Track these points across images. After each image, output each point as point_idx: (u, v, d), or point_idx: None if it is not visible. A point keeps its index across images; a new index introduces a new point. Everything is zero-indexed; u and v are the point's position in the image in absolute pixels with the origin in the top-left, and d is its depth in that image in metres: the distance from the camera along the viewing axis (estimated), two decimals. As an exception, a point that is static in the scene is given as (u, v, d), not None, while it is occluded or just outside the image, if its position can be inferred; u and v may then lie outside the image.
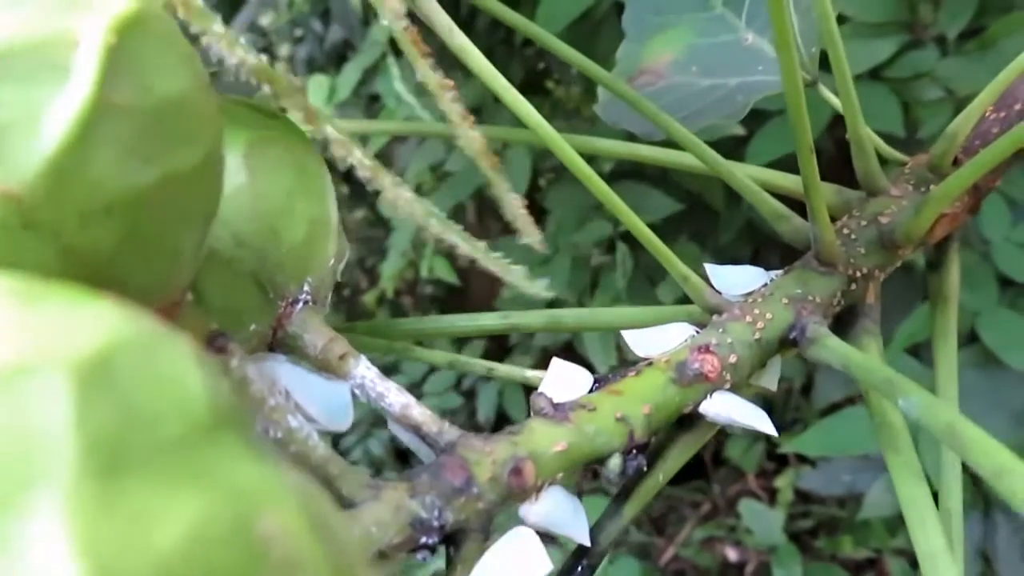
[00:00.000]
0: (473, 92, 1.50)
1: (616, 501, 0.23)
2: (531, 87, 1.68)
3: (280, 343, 0.21)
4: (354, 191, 2.39)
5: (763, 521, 1.50)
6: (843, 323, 0.28)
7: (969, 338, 0.98)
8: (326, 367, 0.20)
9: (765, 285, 0.27)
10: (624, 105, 0.36)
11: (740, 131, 1.09)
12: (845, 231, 0.29)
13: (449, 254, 1.76)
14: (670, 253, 0.25)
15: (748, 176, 0.30)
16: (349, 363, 0.20)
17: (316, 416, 0.18)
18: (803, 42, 0.34)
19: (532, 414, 0.21)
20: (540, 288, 0.17)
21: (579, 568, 0.22)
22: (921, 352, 1.00)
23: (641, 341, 0.25)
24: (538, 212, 1.55)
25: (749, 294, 0.27)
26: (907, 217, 0.28)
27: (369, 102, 1.65)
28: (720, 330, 0.25)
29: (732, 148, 1.12)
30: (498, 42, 1.63)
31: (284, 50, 2.19)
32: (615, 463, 0.22)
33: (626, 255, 1.36)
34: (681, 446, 0.25)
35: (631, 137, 0.36)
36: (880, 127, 0.99)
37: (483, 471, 0.19)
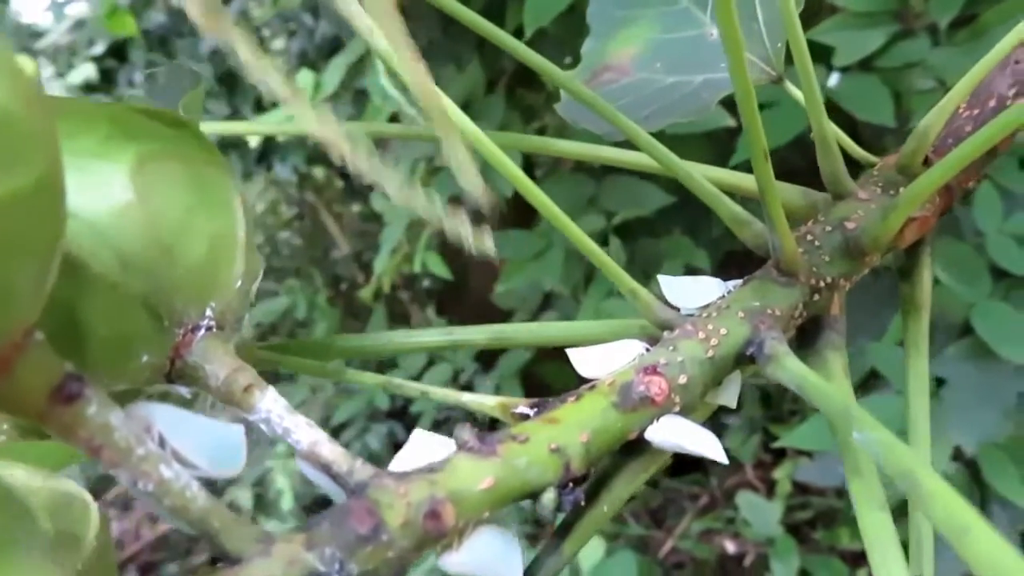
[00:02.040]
0: (462, 87, 1.49)
1: (555, 537, 0.22)
2: (523, 80, 1.66)
3: (179, 374, 0.19)
4: (348, 186, 2.38)
5: (761, 513, 1.49)
6: (806, 336, 0.27)
7: (963, 330, 0.96)
8: (229, 400, 0.19)
9: (722, 297, 0.25)
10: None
11: (731, 122, 1.07)
12: (809, 237, 0.27)
13: (442, 249, 1.75)
14: (616, 267, 0.24)
15: (707, 177, 0.28)
16: (254, 395, 0.19)
17: (199, 462, 0.17)
18: (768, 36, 0.33)
19: (456, 449, 0.20)
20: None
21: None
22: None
23: (587, 360, 0.24)
24: (531, 206, 1.54)
25: (705, 307, 0.25)
26: (874, 222, 0.26)
27: (358, 96, 1.63)
28: (670, 348, 0.23)
29: (728, 139, 1.10)
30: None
31: (279, 44, 2.18)
32: (549, 498, 0.20)
33: (619, 248, 1.35)
34: (629, 474, 0.23)
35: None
36: (871, 118, 0.98)
37: (395, 516, 0.17)
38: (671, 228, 1.44)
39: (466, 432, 0.19)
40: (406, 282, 2.20)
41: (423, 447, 0.19)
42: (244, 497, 1.86)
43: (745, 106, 0.22)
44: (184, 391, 0.20)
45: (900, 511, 0.23)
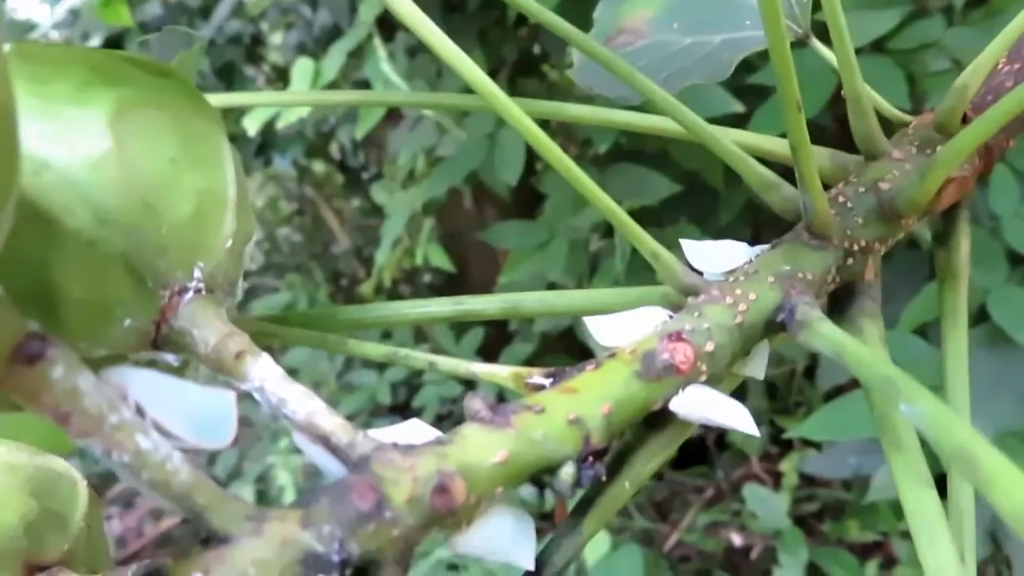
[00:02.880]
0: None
1: (573, 515, 0.20)
2: (525, 69, 1.65)
3: (166, 340, 0.18)
4: (349, 179, 2.36)
5: (768, 505, 1.48)
6: (839, 303, 0.25)
7: (978, 317, 0.94)
8: (219, 367, 0.17)
9: (749, 262, 0.24)
10: (600, 68, 0.33)
11: (740, 108, 1.05)
12: (840, 199, 0.25)
13: (444, 241, 1.73)
14: (637, 228, 0.22)
15: (733, 141, 0.26)
16: (246, 362, 0.17)
17: (183, 432, 0.15)
18: (794, -8, 0.31)
19: (466, 420, 0.18)
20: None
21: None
22: (930, 332, 0.97)
23: (605, 328, 0.22)
24: (534, 196, 1.52)
25: (731, 272, 0.24)
26: (910, 182, 0.25)
27: (359, 87, 1.61)
28: (696, 314, 0.22)
29: (736, 126, 1.08)
30: (491, 24, 1.59)
31: (277, 38, 2.16)
32: (568, 472, 0.18)
33: (624, 238, 1.33)
34: (651, 448, 0.21)
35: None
36: (884, 100, 0.95)
37: (400, 491, 0.16)
38: (677, 218, 1.42)
39: (477, 402, 0.18)
40: (407, 277, 2.19)
41: (417, 434, 0.18)
42: (246, 493, 1.85)
43: (777, 54, 0.21)
44: (172, 358, 0.18)
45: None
